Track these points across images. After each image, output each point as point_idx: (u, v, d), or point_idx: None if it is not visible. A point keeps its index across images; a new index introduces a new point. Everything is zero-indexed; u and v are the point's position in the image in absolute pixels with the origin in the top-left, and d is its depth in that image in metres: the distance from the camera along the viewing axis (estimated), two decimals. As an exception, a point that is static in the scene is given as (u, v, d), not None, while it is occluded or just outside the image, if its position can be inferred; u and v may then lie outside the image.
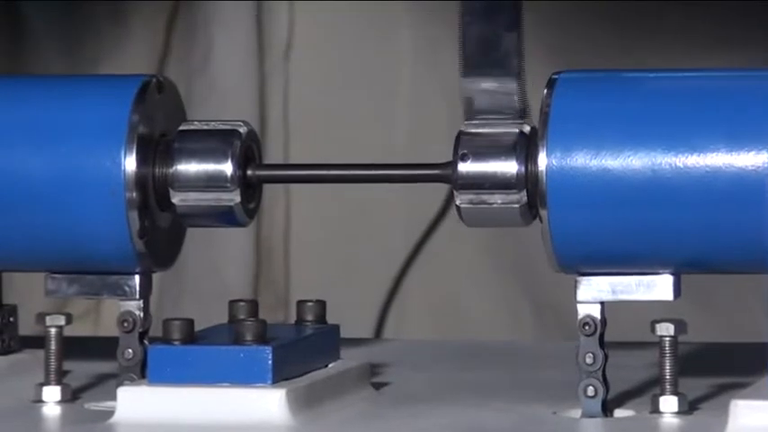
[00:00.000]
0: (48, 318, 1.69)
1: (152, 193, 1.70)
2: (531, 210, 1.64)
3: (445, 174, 1.67)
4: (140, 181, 1.68)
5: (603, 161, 1.58)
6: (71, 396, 1.70)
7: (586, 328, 1.60)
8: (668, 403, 1.59)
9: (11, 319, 1.85)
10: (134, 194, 1.67)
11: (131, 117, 1.67)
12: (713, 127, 1.57)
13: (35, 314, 1.73)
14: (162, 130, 1.74)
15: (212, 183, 1.70)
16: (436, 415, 1.67)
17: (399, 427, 1.63)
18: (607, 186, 1.60)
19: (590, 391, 1.60)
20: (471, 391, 1.70)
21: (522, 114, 1.65)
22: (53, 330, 1.68)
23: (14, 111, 1.75)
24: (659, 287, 1.60)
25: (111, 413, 1.61)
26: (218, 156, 1.69)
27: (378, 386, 1.78)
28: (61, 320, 1.67)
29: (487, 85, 1.64)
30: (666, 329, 1.57)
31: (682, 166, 1.57)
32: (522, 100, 1.62)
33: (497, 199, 1.62)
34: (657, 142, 1.60)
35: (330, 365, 1.71)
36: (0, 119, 1.76)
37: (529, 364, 1.74)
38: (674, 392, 1.59)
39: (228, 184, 1.69)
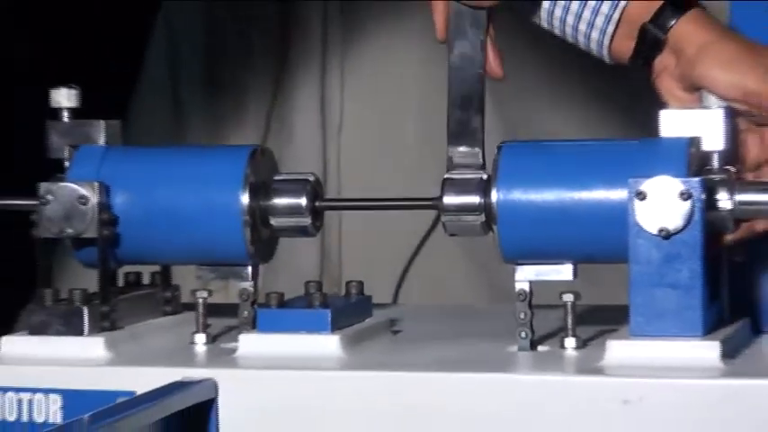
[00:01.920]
0: (197, 292, 1.70)
1: (258, 217, 1.70)
2: (488, 225, 1.66)
3: (436, 204, 1.68)
4: (251, 210, 1.69)
5: (531, 196, 1.60)
6: (211, 339, 1.72)
7: (521, 296, 1.63)
8: (569, 342, 1.62)
9: (176, 293, 1.86)
10: (248, 218, 1.69)
11: (245, 170, 1.68)
12: (598, 176, 1.60)
13: (190, 290, 1.76)
14: (264, 178, 1.73)
15: (293, 211, 1.71)
16: (429, 350, 1.70)
17: (407, 358, 1.66)
18: (533, 211, 1.62)
19: (523, 334, 1.63)
20: (452, 336, 1.71)
21: (482, 167, 1.67)
22: (200, 300, 1.70)
23: (177, 165, 1.76)
24: (564, 272, 1.63)
25: (235, 349, 1.66)
26: (297, 194, 1.70)
27: (395, 333, 1.81)
28: (205, 294, 1.69)
29: (462, 149, 1.67)
30: (568, 297, 1.60)
31: (579, 199, 1.59)
32: (482, 159, 1.65)
33: (467, 219, 1.65)
34: (565, 185, 1.61)
35: (366, 321, 1.75)
36: (167, 171, 1.75)
37: (488, 319, 1.76)
38: (573, 335, 1.62)
39: (303, 212, 1.71)
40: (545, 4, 1.83)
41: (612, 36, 1.79)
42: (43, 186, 1.67)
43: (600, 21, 1.78)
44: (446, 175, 1.68)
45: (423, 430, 1.52)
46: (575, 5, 1.79)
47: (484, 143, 1.68)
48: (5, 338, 1.68)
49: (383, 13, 2.92)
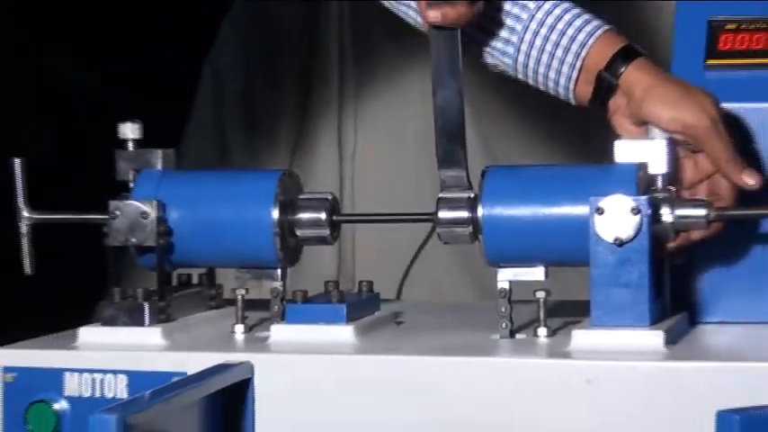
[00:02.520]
0: (236, 290, 1.70)
1: (286, 229, 1.69)
2: (475, 236, 1.65)
3: (432, 218, 1.68)
4: (280, 224, 1.68)
5: (510, 212, 1.61)
6: (248, 329, 1.71)
7: (502, 293, 1.63)
8: (541, 331, 1.62)
9: (219, 291, 1.86)
10: (277, 230, 1.68)
11: (276, 190, 1.68)
12: (565, 195, 1.60)
13: (230, 288, 1.75)
14: (291, 197, 1.72)
15: (315, 224, 1.70)
16: (427, 338, 1.69)
17: (409, 344, 1.65)
18: (511, 224, 1.62)
19: (503, 325, 1.63)
20: (445, 327, 1.70)
21: (469, 187, 1.67)
22: (239, 296, 1.70)
23: (220, 186, 1.76)
24: (537, 273, 1.63)
25: (267, 337, 1.66)
26: (318, 210, 1.69)
27: (398, 324, 1.80)
28: (243, 292, 1.69)
29: (451, 173, 1.67)
30: (540, 294, 1.60)
31: (549, 214, 1.60)
32: (468, 180, 1.65)
33: (457, 230, 1.65)
34: (538, 202, 1.61)
35: (375, 313, 1.75)
36: (212, 191, 1.75)
37: (475, 312, 1.74)
38: (545, 326, 1.62)
39: (323, 225, 1.70)
40: (520, 58, 1.83)
41: (576, 82, 1.79)
42: (112, 204, 1.67)
43: (566, 69, 1.78)
44: (440, 195, 1.68)
45: (422, 403, 1.52)
46: (545, 57, 1.79)
47: (468, 168, 1.68)
48: (83, 329, 1.67)
49: (391, 59, 2.91)
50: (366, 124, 3.10)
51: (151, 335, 1.67)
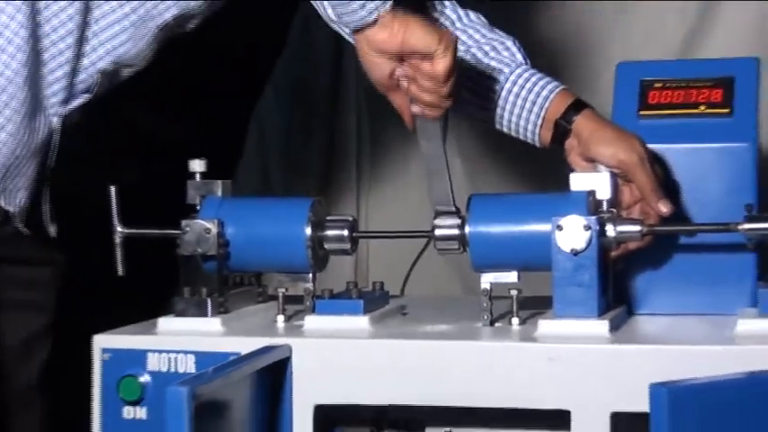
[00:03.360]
0: (278, 289, 1.68)
1: (316, 243, 1.67)
2: (463, 248, 1.63)
3: (430, 234, 1.66)
4: (312, 239, 1.66)
5: (490, 229, 1.60)
6: (287, 319, 1.69)
7: (484, 292, 1.62)
8: (515, 321, 1.61)
9: (264, 289, 1.83)
10: (309, 244, 1.66)
11: (308, 213, 1.66)
12: (533, 216, 1.59)
13: (274, 287, 1.73)
14: (320, 218, 1.69)
15: (339, 240, 1.68)
16: (426, 326, 1.66)
17: (412, 331, 1.64)
18: (491, 239, 1.61)
19: (485, 316, 1.61)
20: (440, 317, 1.69)
21: (458, 213, 1.64)
22: (280, 294, 1.68)
23: (266, 209, 1.73)
24: (511, 276, 1.61)
25: (302, 326, 1.65)
26: (341, 229, 1.68)
27: (404, 315, 1.77)
28: (283, 290, 1.68)
29: (442, 206, 1.66)
30: (514, 292, 1.60)
31: (521, 230, 1.59)
32: (456, 208, 1.65)
33: (449, 245, 1.64)
34: (512, 222, 1.61)
35: (385, 306, 1.74)
36: (260, 213, 1.72)
37: (463, 306, 1.73)
38: (517, 316, 1.61)
39: (345, 240, 1.68)
40: (498, 112, 1.83)
41: (540, 128, 1.78)
42: (184, 222, 1.66)
43: (533, 118, 1.78)
44: (434, 221, 1.67)
45: (422, 376, 1.52)
46: (516, 110, 1.79)
47: (454, 199, 1.67)
48: (161, 319, 1.67)
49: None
50: (379, 166, 3.04)
51: (213, 323, 1.66)
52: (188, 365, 1.59)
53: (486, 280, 1.63)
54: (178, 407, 1.27)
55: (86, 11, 1.66)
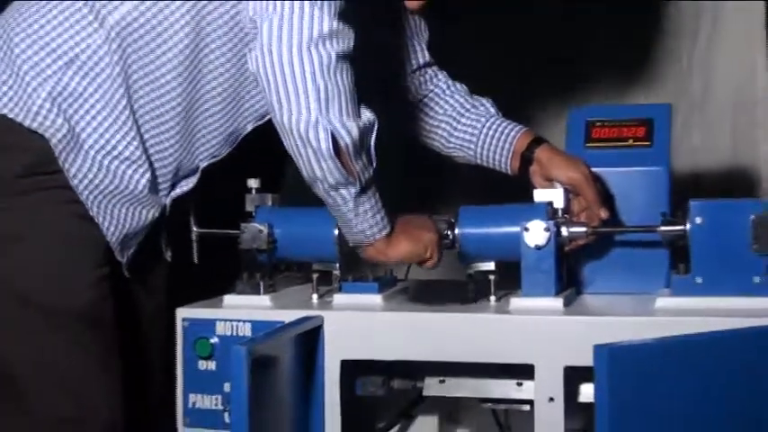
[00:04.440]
0: (313, 273, 1.66)
1: (343, 240, 1.58)
2: (453, 245, 1.60)
3: None
4: (339, 237, 1.59)
5: (473, 231, 1.59)
6: (320, 297, 1.65)
7: (470, 278, 1.60)
8: (492, 298, 1.59)
9: (303, 273, 1.79)
10: (338, 240, 1.60)
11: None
12: (507, 221, 1.58)
13: (311, 272, 1.68)
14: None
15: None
16: (425, 302, 1.64)
17: (414, 306, 1.63)
18: (475, 238, 1.59)
19: (470, 295, 1.60)
20: (436, 296, 1.65)
21: (450, 220, 1.59)
22: (314, 277, 1.66)
23: (305, 215, 1.67)
24: (490, 265, 1.58)
25: (331, 301, 1.63)
26: None
27: (408, 294, 1.72)
28: (317, 274, 1.66)
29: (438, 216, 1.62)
30: (492, 276, 1.58)
31: (497, 232, 1.58)
32: (449, 217, 1.62)
33: (444, 243, 1.58)
34: (491, 225, 1.59)
35: (394, 288, 1.71)
36: (301, 218, 1.68)
37: (453, 287, 1.67)
38: (494, 295, 1.59)
39: None
40: (478, 150, 1.83)
41: (510, 160, 1.79)
42: (243, 225, 1.65)
43: (505, 152, 1.79)
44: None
45: (423, 340, 1.52)
46: (492, 147, 1.80)
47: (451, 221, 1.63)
48: (226, 296, 1.66)
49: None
50: (383, 178, 3.00)
51: (264, 300, 1.65)
52: (246, 331, 1.58)
53: (471, 268, 1.61)
54: (239, 361, 1.27)
55: (190, 129, 1.65)
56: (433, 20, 1.89)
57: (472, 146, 1.84)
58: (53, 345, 1.56)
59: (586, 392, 1.50)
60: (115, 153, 1.57)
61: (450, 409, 1.84)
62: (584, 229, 1.59)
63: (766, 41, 2.32)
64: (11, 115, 1.54)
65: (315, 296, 1.68)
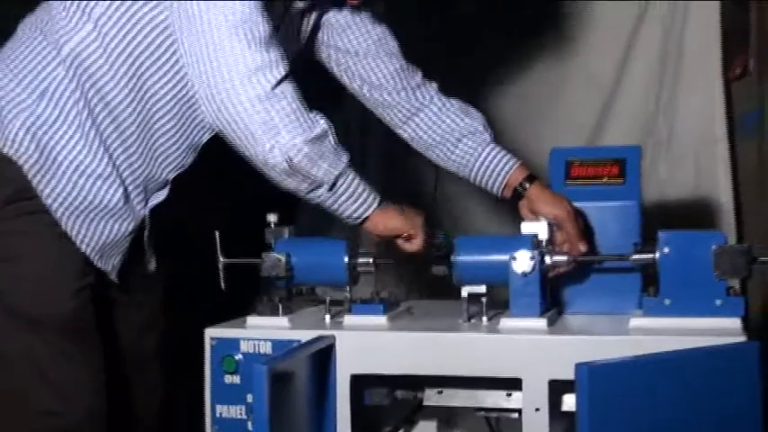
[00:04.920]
0: (326, 297, 1.66)
1: (351, 267, 1.62)
2: (450, 270, 1.57)
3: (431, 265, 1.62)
4: (349, 265, 1.62)
5: (467, 259, 1.56)
6: (332, 317, 1.63)
7: (463, 299, 1.57)
8: (484, 319, 1.57)
9: (316, 297, 1.79)
10: (347, 267, 1.62)
11: (345, 247, 1.62)
12: (497, 250, 1.56)
13: (323, 296, 1.70)
14: (353, 251, 1.65)
15: (366, 265, 1.65)
16: (425, 322, 1.63)
17: (416, 326, 1.59)
18: (468, 266, 1.56)
19: (465, 316, 1.57)
20: (434, 316, 1.66)
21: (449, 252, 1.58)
22: (327, 299, 1.65)
23: (317, 245, 1.69)
24: (482, 289, 1.56)
25: (342, 322, 1.61)
26: (368, 257, 1.65)
27: (411, 314, 1.70)
28: (328, 297, 1.65)
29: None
30: (483, 299, 1.56)
31: (488, 260, 1.56)
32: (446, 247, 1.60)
33: (441, 267, 1.59)
34: (483, 253, 1.57)
35: (398, 309, 1.68)
36: (313, 247, 1.68)
37: (451, 308, 1.65)
38: (485, 315, 1.57)
39: (370, 266, 1.65)
40: (473, 174, 1.81)
41: (503, 190, 1.78)
42: (263, 254, 1.64)
43: (499, 180, 1.78)
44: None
45: (422, 355, 1.50)
46: (488, 174, 1.79)
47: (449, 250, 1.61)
48: (249, 317, 1.65)
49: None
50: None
51: (282, 321, 1.63)
52: (266, 349, 1.57)
53: (465, 291, 1.59)
54: (260, 378, 1.27)
55: (150, 145, 1.65)
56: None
57: (467, 169, 1.81)
58: (38, 350, 1.57)
59: (569, 402, 1.47)
60: (88, 171, 1.57)
61: (447, 417, 1.82)
62: (565, 257, 1.58)
63: (723, 87, 2.32)
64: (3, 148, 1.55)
65: (327, 317, 1.65)
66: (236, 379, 1.57)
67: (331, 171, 1.54)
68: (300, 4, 1.67)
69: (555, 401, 1.45)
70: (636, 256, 1.54)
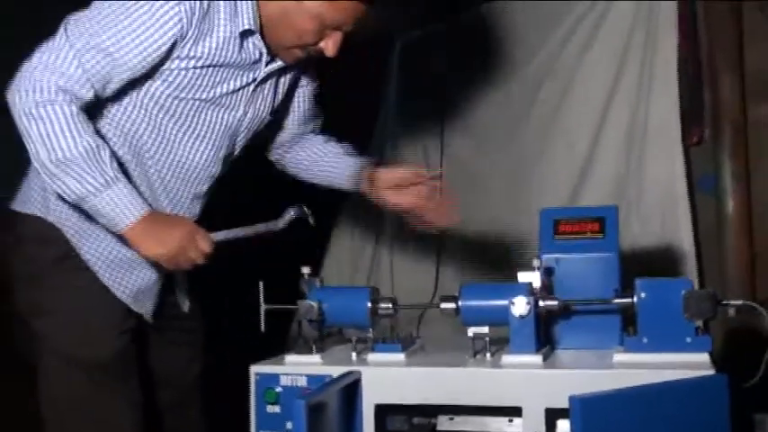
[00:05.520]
0: (352, 337, 1.64)
1: (374, 311, 1.60)
2: (457, 312, 1.54)
3: (438, 305, 1.58)
4: (371, 309, 1.59)
5: (472, 303, 1.53)
6: (358, 354, 1.61)
7: (470, 338, 1.55)
8: (488, 355, 1.54)
9: (344, 336, 1.74)
10: (370, 312, 1.59)
11: (369, 295, 1.60)
12: (498, 295, 1.52)
13: (349, 336, 1.68)
14: (376, 297, 1.62)
15: (387, 309, 1.61)
16: (439, 357, 1.60)
17: (431, 361, 1.57)
18: (473, 309, 1.54)
19: (471, 352, 1.55)
20: (446, 350, 1.63)
21: (455, 297, 1.54)
22: (353, 339, 1.64)
23: (345, 293, 1.67)
24: (485, 329, 1.53)
25: (366, 358, 1.59)
26: (387, 303, 1.61)
27: (424, 350, 1.67)
28: (355, 337, 1.64)
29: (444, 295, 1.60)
30: (486, 337, 1.54)
31: (490, 304, 1.52)
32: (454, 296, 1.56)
33: (449, 309, 1.55)
34: (486, 298, 1.54)
35: (414, 345, 1.65)
36: (341, 296, 1.64)
37: (458, 343, 1.61)
38: (489, 352, 1.54)
39: (390, 310, 1.60)
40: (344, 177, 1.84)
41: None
42: (298, 301, 1.62)
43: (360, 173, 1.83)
44: (441, 303, 1.59)
45: (435, 386, 1.48)
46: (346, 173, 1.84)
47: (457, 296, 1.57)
48: (287, 356, 1.62)
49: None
50: (401, 255, 2.93)
51: (315, 358, 1.62)
52: (302, 382, 1.56)
53: (471, 331, 1.57)
54: (299, 410, 1.26)
55: (158, 202, 1.66)
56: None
57: (330, 173, 1.83)
58: (83, 387, 1.59)
59: (562, 427, 1.42)
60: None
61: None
62: (556, 303, 1.55)
63: (683, 154, 2.32)
64: (39, 214, 1.60)
65: (354, 354, 1.64)
66: (277, 408, 1.55)
67: (76, 190, 1.46)
68: (278, 64, 1.65)
69: (550, 426, 1.42)
70: (617, 300, 1.52)
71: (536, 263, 1.55)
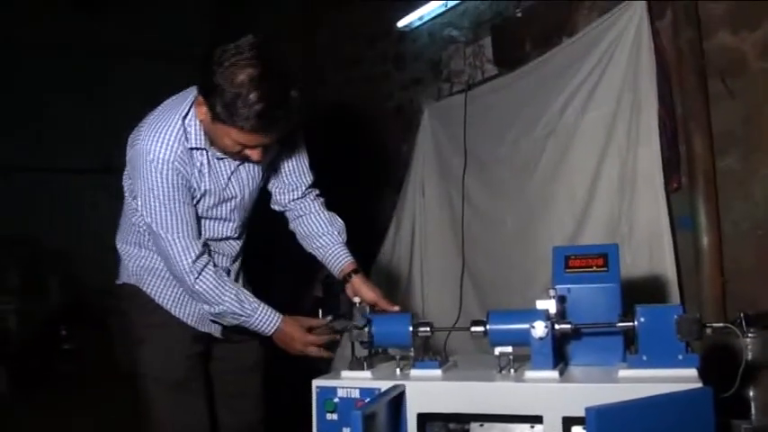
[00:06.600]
0: (396, 355, 1.58)
1: (415, 334, 1.56)
2: (485, 335, 1.50)
3: (470, 328, 1.52)
4: (413, 332, 1.54)
5: (499, 327, 1.48)
6: (401, 370, 1.55)
7: (496, 356, 1.50)
8: (512, 370, 1.49)
9: (389, 354, 1.68)
10: (411, 334, 1.55)
11: (410, 319, 1.55)
12: (520, 320, 1.48)
13: (394, 354, 1.61)
14: (415, 321, 1.58)
15: (425, 332, 1.57)
16: (467, 372, 1.55)
17: (463, 375, 1.51)
18: (500, 332, 1.49)
19: (497, 368, 1.49)
20: (474, 367, 1.56)
21: (484, 321, 1.49)
22: (397, 357, 1.57)
23: (389, 318, 1.63)
24: (510, 349, 1.50)
25: (409, 374, 1.54)
26: (426, 326, 1.56)
27: (457, 366, 1.60)
28: (399, 355, 1.56)
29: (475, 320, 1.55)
30: (510, 356, 1.49)
31: (514, 328, 1.47)
32: (483, 321, 1.51)
33: (478, 332, 1.51)
34: (510, 322, 1.49)
35: (448, 363, 1.58)
36: (386, 320, 1.61)
37: (486, 360, 1.56)
38: (512, 368, 1.48)
39: (429, 332, 1.57)
40: (324, 259, 1.85)
41: (339, 274, 1.82)
42: (351, 325, 1.61)
43: (337, 268, 1.83)
44: (471, 327, 1.54)
45: (467, 398, 1.44)
46: (332, 262, 1.84)
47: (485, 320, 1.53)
48: (343, 372, 1.57)
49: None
50: (431, 277, 2.91)
51: (366, 374, 1.58)
52: (355, 394, 1.52)
53: (498, 350, 1.53)
54: (357, 420, 1.25)
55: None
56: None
57: (321, 256, 1.85)
58: (164, 401, 1.77)
59: (578, 433, 1.40)
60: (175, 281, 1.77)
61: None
62: (569, 326, 1.50)
63: (665, 198, 2.28)
64: (131, 282, 1.83)
65: (398, 370, 1.60)
66: (335, 416, 1.52)
67: (233, 321, 1.71)
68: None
69: (567, 432, 1.39)
70: (620, 324, 1.48)
71: (551, 292, 1.51)
